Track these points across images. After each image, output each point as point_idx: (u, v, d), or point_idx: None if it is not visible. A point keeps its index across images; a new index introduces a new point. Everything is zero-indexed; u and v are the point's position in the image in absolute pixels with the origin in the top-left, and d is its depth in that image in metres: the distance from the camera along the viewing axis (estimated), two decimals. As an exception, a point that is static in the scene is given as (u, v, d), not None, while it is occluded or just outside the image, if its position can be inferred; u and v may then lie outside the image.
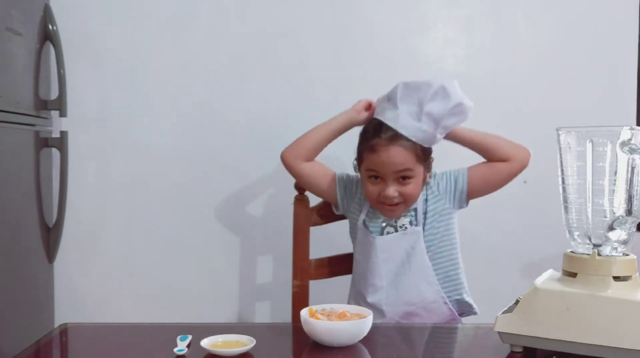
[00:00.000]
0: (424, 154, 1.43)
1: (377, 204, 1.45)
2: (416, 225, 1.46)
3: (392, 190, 1.40)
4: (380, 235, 1.48)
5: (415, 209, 1.47)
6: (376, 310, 1.43)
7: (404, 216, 1.48)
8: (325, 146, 1.53)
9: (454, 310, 1.46)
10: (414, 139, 1.39)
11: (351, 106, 1.54)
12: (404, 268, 1.45)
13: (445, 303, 1.45)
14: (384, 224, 1.49)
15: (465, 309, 1.50)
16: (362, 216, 1.51)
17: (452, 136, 1.46)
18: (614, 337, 0.92)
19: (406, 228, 1.47)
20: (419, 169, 1.42)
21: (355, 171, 1.52)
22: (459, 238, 1.51)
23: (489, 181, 1.48)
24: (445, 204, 1.48)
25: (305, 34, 2.01)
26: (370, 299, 1.46)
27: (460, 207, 1.51)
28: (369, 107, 1.52)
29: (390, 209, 1.44)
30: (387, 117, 1.41)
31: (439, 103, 1.40)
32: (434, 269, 1.45)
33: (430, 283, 1.45)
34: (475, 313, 1.51)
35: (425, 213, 1.47)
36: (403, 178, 1.41)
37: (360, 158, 1.47)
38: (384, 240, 1.47)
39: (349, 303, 1.53)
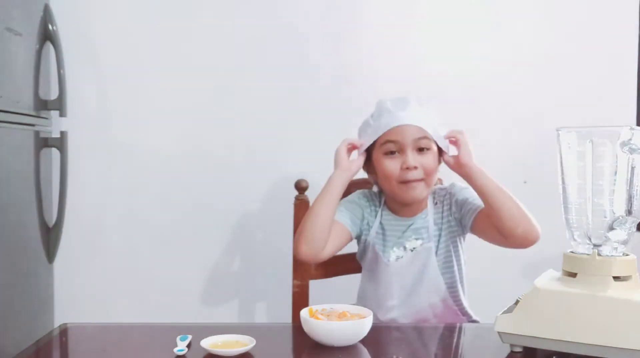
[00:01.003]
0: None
1: (398, 184, 1.38)
2: (428, 242, 1.42)
3: (413, 159, 1.35)
4: (389, 257, 1.43)
5: (427, 228, 1.43)
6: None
7: (415, 238, 1.43)
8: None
9: (457, 311, 1.44)
10: (423, 126, 1.36)
11: (336, 165, 1.42)
12: (416, 287, 1.41)
13: (457, 314, 1.43)
14: (395, 248, 1.44)
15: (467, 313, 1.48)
16: (372, 233, 1.46)
17: (463, 173, 1.38)
18: (614, 337, 0.92)
19: (417, 250, 1.43)
20: (433, 144, 1.39)
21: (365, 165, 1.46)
22: (463, 263, 1.47)
23: (487, 239, 1.41)
24: (453, 224, 1.44)
25: (305, 34, 2.01)
26: (382, 318, 1.42)
27: (465, 233, 1.46)
28: (352, 148, 1.44)
29: (412, 187, 1.37)
30: (388, 123, 1.37)
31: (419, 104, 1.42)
32: (445, 283, 1.42)
33: (443, 297, 1.41)
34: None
35: (440, 232, 1.43)
36: (420, 149, 1.37)
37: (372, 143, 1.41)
38: (397, 265, 1.42)
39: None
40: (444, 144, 1.40)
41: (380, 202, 1.49)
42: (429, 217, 1.44)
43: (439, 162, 1.43)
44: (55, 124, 1.92)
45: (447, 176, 1.52)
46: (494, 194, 1.32)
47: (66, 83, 1.85)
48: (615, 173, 0.97)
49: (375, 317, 1.39)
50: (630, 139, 0.94)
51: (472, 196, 1.41)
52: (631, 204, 0.98)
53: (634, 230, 0.99)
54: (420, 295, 1.41)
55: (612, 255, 0.98)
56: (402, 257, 1.42)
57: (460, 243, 1.47)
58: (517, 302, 1.02)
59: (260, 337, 1.04)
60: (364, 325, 1.07)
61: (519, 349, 1.01)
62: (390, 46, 2.02)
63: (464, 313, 1.45)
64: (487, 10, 2.03)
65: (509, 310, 1.02)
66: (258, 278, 2.05)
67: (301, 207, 1.60)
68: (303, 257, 1.40)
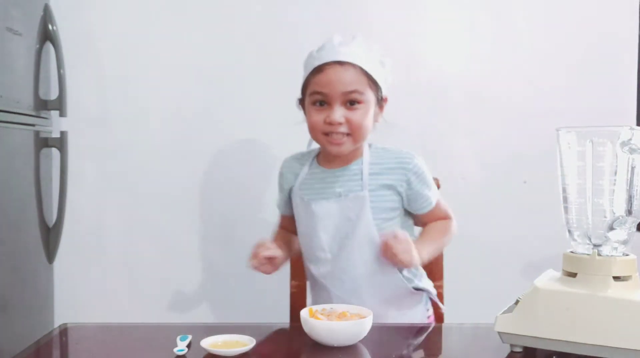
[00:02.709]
0: (375, 83, 1.32)
1: (322, 136, 1.32)
2: (361, 190, 1.32)
3: (339, 115, 1.28)
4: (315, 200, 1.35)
5: (361, 177, 1.33)
6: (321, 286, 1.37)
7: (351, 183, 1.33)
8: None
9: (404, 279, 1.34)
10: (363, 65, 1.29)
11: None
12: (349, 240, 1.31)
13: (396, 273, 1.33)
14: (321, 200, 1.34)
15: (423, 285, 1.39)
16: (297, 185, 1.40)
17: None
18: (614, 337, 0.92)
19: (347, 195, 1.33)
20: (370, 97, 1.31)
21: (298, 107, 1.41)
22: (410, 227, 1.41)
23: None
24: (402, 191, 1.35)
25: (304, 34, 2.01)
26: (314, 271, 1.37)
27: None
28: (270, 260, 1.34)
29: (337, 143, 1.30)
30: (325, 55, 1.31)
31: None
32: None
33: (378, 253, 1.30)
34: (432, 293, 1.41)
35: (378, 188, 1.33)
36: (351, 102, 1.29)
37: (304, 87, 1.36)
38: (322, 204, 1.33)
39: (308, 282, 1.48)
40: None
41: (312, 158, 1.44)
42: (364, 167, 1.34)
43: (379, 111, 1.36)
44: (55, 124, 1.92)
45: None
46: (438, 249, 1.42)
47: (66, 83, 1.85)
48: (615, 173, 0.97)
49: (309, 271, 1.39)
50: (630, 139, 0.94)
51: (425, 194, 1.35)
52: (631, 204, 0.98)
53: (634, 229, 0.99)
54: (353, 250, 1.32)
55: (612, 255, 0.98)
56: (328, 198, 1.34)
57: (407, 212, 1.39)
58: (517, 302, 1.02)
59: (260, 337, 1.04)
60: (364, 325, 1.07)
61: (519, 349, 1.01)
62: (390, 45, 2.01)
63: (406, 277, 1.36)
64: (487, 10, 2.03)
65: (509, 310, 1.02)
66: (257, 278, 2.04)
67: (301, 207, 1.59)
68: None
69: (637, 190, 0.98)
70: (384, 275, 1.33)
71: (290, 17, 2.01)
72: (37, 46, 1.79)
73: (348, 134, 1.30)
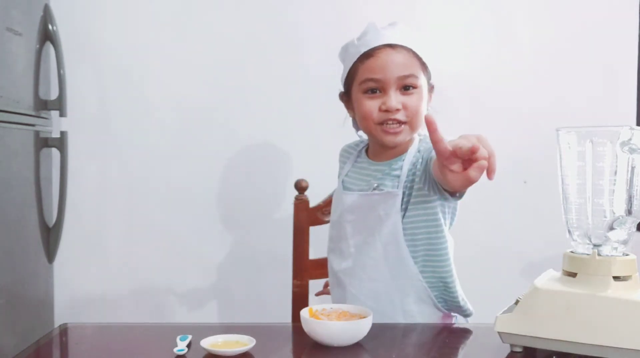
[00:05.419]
0: (426, 67, 1.28)
1: (376, 126, 1.24)
2: (395, 188, 1.24)
3: (395, 100, 1.21)
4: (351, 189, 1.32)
5: (399, 175, 1.25)
6: (339, 283, 1.31)
7: (389, 179, 1.26)
8: None
9: (432, 296, 1.26)
10: (413, 47, 1.26)
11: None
12: (374, 237, 1.25)
13: (420, 280, 1.25)
14: (358, 184, 1.31)
15: (454, 309, 1.31)
16: (342, 176, 1.36)
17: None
18: (614, 337, 0.92)
19: (380, 191, 1.25)
20: (423, 81, 1.26)
21: (341, 100, 1.36)
22: (447, 230, 1.29)
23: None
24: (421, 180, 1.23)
25: (304, 34, 2.01)
26: (336, 265, 1.32)
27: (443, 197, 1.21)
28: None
29: (394, 132, 1.23)
30: (371, 40, 1.25)
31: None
32: (411, 251, 1.23)
33: (403, 257, 1.23)
34: (469, 315, 1.32)
35: (412, 183, 1.22)
36: (406, 87, 1.23)
37: (350, 77, 1.29)
38: (352, 196, 1.28)
39: (329, 276, 1.41)
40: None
41: (362, 148, 1.39)
42: (405, 162, 1.25)
43: (429, 100, 1.30)
44: (55, 124, 1.92)
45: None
46: None
47: (66, 83, 1.85)
48: (615, 173, 0.97)
49: (331, 266, 1.34)
50: (630, 139, 0.94)
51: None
52: (631, 204, 0.97)
53: (634, 229, 0.99)
54: (376, 247, 1.25)
55: (612, 255, 0.97)
56: (362, 191, 1.29)
57: (436, 215, 1.23)
58: (517, 302, 1.02)
59: (260, 337, 1.04)
60: (364, 325, 1.07)
61: (519, 349, 1.01)
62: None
63: (450, 300, 1.28)
64: (487, 10, 2.03)
65: (509, 310, 1.02)
66: (258, 278, 2.05)
67: (301, 207, 1.60)
68: None
69: (637, 190, 0.98)
70: (406, 280, 1.25)
71: (291, 17, 2.01)
72: (37, 46, 1.80)
73: (404, 123, 1.23)
